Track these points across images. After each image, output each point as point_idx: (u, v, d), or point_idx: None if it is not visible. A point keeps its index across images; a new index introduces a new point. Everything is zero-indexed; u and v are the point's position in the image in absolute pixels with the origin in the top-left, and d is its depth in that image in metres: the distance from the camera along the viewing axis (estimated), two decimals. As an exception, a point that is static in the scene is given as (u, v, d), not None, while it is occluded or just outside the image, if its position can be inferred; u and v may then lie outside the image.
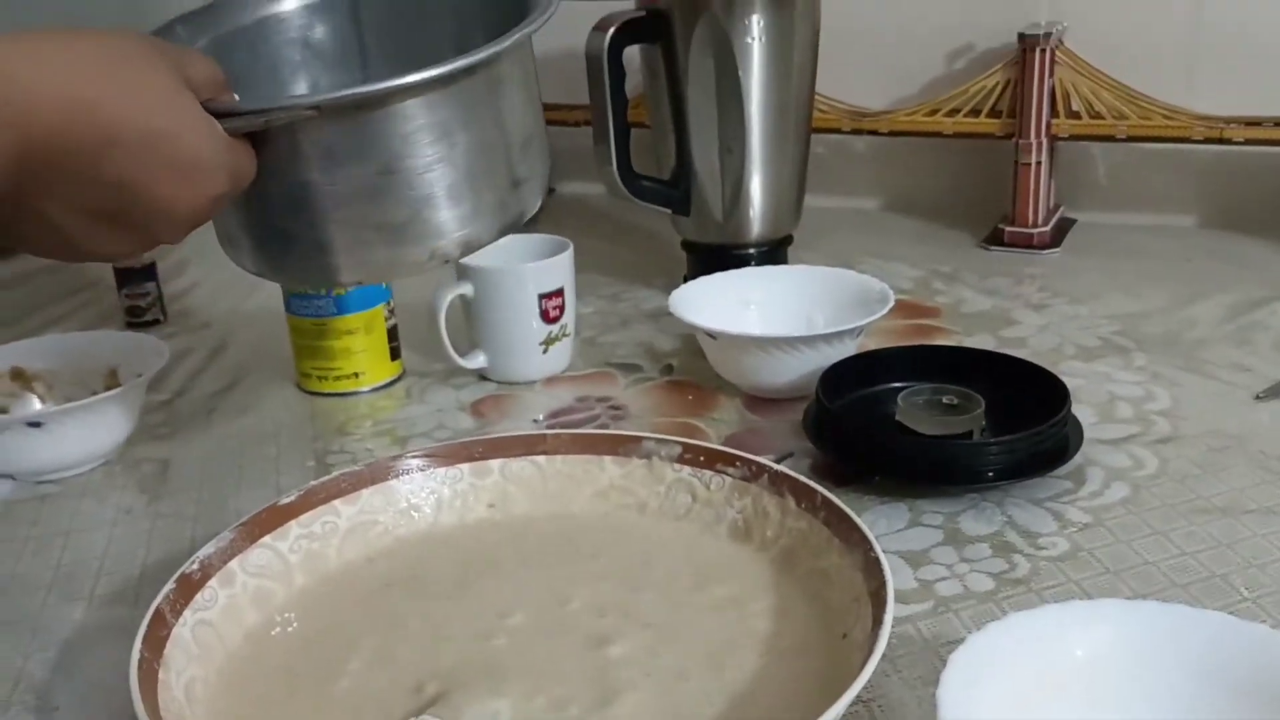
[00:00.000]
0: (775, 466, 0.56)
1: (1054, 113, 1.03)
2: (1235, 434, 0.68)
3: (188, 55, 0.47)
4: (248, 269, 0.54)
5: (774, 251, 0.95)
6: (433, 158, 0.49)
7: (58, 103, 0.40)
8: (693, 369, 0.81)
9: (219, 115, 0.46)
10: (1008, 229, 1.06)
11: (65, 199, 0.42)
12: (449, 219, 0.51)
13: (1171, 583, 0.54)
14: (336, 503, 0.56)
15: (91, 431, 0.71)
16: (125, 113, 0.41)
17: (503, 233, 0.54)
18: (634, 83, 0.93)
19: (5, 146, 0.39)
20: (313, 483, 0.56)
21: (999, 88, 1.05)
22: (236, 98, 0.49)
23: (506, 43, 0.50)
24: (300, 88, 0.60)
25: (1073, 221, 1.11)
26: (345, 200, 0.49)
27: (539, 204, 0.56)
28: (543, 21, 0.51)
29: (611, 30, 0.84)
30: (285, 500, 0.55)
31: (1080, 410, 0.70)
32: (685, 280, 0.92)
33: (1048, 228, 1.05)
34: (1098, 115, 1.02)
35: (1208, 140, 0.99)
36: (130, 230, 0.44)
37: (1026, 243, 1.05)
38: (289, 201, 0.50)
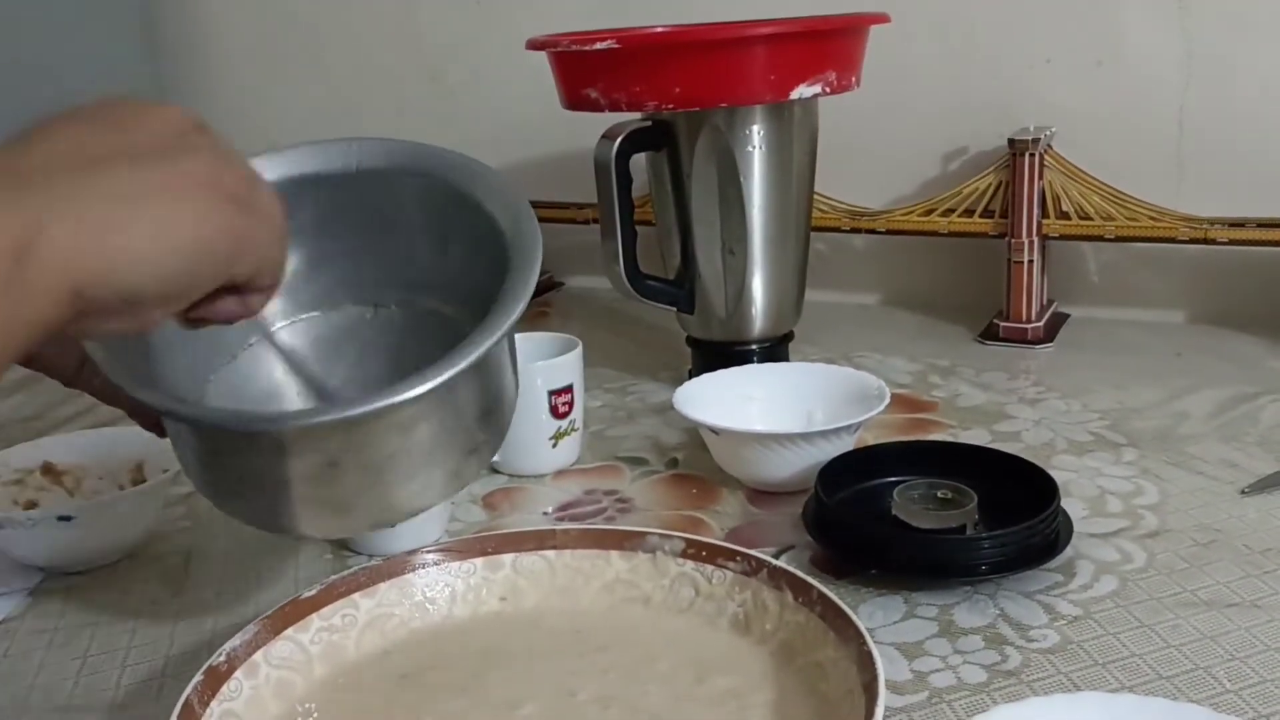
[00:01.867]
0: (774, 562, 0.58)
1: (1044, 213, 1.07)
2: (1221, 529, 0.70)
3: None
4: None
5: (776, 347, 0.98)
6: (387, 452, 0.50)
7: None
8: (697, 462, 0.84)
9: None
10: (1003, 324, 1.09)
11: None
12: (398, 497, 0.52)
13: (1157, 675, 0.56)
14: (356, 596, 0.59)
15: (119, 525, 0.73)
16: None
17: (447, 499, 0.56)
18: (640, 182, 0.97)
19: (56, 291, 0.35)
20: (333, 577, 0.59)
21: (991, 189, 1.09)
22: None
23: (472, 357, 0.49)
24: None
25: (1066, 316, 1.14)
26: (293, 482, 0.50)
27: (485, 466, 0.57)
28: (518, 313, 0.51)
29: (619, 139, 0.89)
30: (307, 594, 0.58)
31: (1071, 504, 0.73)
32: (690, 375, 0.95)
33: (1041, 323, 1.09)
34: (1086, 216, 1.06)
35: (1193, 240, 1.03)
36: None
37: (1021, 338, 1.08)
38: (237, 471, 0.52)
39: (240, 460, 0.51)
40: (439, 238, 0.61)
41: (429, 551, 0.62)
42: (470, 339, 0.49)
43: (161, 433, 0.57)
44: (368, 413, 0.47)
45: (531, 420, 0.83)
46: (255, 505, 0.53)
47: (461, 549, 0.62)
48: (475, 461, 0.55)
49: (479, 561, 0.62)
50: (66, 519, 0.71)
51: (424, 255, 0.62)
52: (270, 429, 0.49)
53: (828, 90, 0.87)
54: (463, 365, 0.48)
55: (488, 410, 0.55)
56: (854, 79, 0.91)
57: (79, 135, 0.38)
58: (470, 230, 0.58)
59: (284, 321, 0.63)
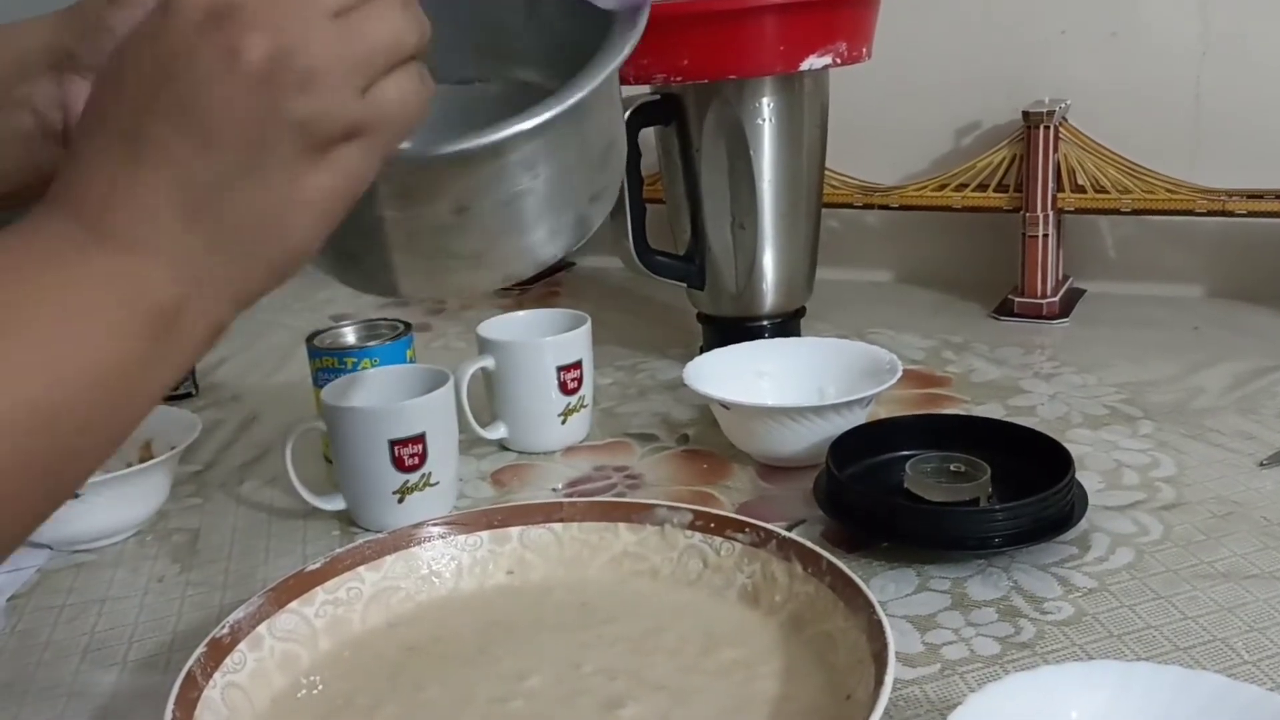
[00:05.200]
0: (783, 533, 0.57)
1: (1059, 187, 1.05)
2: (1239, 500, 0.69)
3: None
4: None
5: (787, 323, 0.97)
6: (514, 192, 0.48)
7: None
8: (708, 438, 0.84)
9: None
10: (1017, 300, 1.08)
11: None
12: (525, 244, 0.50)
13: (1174, 646, 0.55)
14: (361, 569, 0.58)
15: (127, 502, 0.73)
16: None
17: (575, 246, 0.53)
18: (650, 160, 0.97)
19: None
20: (338, 550, 0.59)
21: (1005, 163, 1.08)
22: None
23: (598, 79, 0.47)
24: None
25: (1082, 292, 1.13)
26: (418, 234, 0.48)
27: (609, 210, 0.55)
28: (633, 45, 0.49)
29: (627, 113, 0.88)
30: (312, 567, 0.57)
31: (1087, 477, 0.72)
32: (701, 352, 0.94)
33: (1056, 298, 1.07)
34: (1102, 189, 1.04)
35: (1210, 213, 1.01)
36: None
37: (1036, 313, 1.07)
38: (360, 229, 0.47)
39: (363, 213, 0.46)
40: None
41: (434, 524, 0.61)
42: (588, 69, 0.47)
43: None
44: (502, 140, 0.45)
45: (540, 397, 0.83)
46: (371, 267, 0.50)
47: (468, 522, 0.62)
48: (599, 208, 0.53)
49: (485, 534, 0.61)
50: (75, 496, 0.70)
51: (512, 19, 0.58)
52: (401, 164, 0.45)
53: (838, 61, 0.86)
54: (590, 88, 0.46)
55: (607, 150, 0.53)
56: (865, 50, 0.89)
57: (163, 149, 0.37)
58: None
59: None
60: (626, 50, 0.49)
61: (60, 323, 0.35)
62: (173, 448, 0.75)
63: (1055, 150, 1.04)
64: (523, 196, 0.48)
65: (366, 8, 0.38)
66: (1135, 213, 1.04)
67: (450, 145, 0.45)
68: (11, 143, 0.48)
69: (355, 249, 0.50)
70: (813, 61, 0.85)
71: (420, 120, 0.41)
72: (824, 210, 0.99)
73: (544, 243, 0.51)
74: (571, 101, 0.46)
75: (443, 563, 0.60)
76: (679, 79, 0.85)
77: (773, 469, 0.78)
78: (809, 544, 0.56)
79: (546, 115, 0.46)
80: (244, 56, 0.36)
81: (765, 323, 0.96)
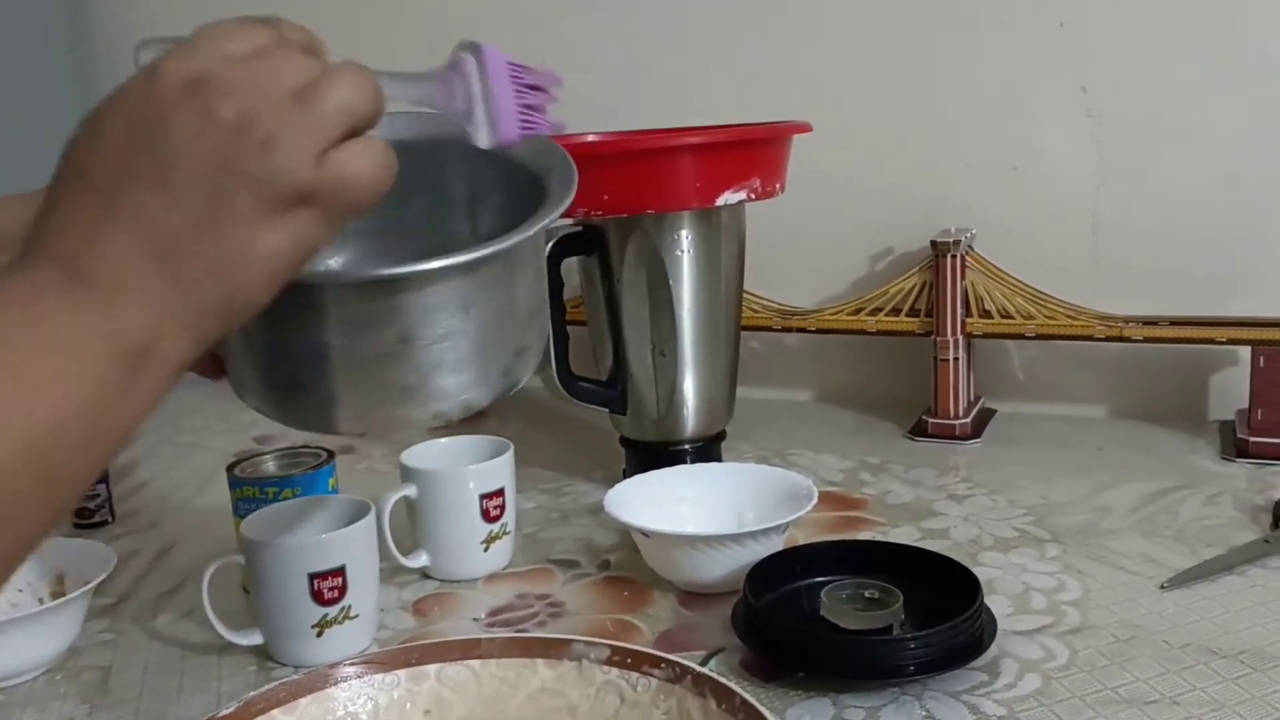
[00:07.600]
0: (698, 669, 0.58)
1: (968, 312, 1.10)
2: (1141, 624, 0.72)
3: None
4: (251, 407, 0.58)
5: (708, 447, 0.99)
6: (448, 329, 0.54)
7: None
8: (629, 564, 0.84)
9: None
10: (931, 420, 1.11)
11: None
12: (455, 384, 0.55)
13: (1079, 775, 0.57)
14: (275, 712, 0.58)
15: (38, 640, 0.72)
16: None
17: (500, 397, 0.58)
18: (573, 285, 0.99)
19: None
20: (251, 694, 0.58)
21: (916, 289, 1.12)
22: None
23: (529, 232, 0.54)
24: None
25: (993, 412, 1.16)
26: (360, 363, 0.53)
27: (533, 371, 0.61)
28: (562, 209, 0.56)
29: (550, 244, 0.91)
30: (224, 711, 0.56)
31: (997, 601, 0.74)
32: (624, 474, 0.95)
33: (968, 419, 1.11)
34: (1008, 315, 1.09)
35: (1109, 339, 1.06)
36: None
37: (949, 434, 1.10)
38: (306, 357, 0.53)
39: (312, 340, 0.53)
40: (468, 198, 0.65)
41: (351, 664, 0.61)
42: (522, 226, 0.54)
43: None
44: (447, 266, 0.52)
45: (463, 525, 0.83)
46: (315, 397, 0.55)
47: (385, 660, 0.61)
48: (523, 364, 0.59)
49: (403, 673, 0.61)
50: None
51: (453, 219, 0.65)
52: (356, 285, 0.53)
53: (753, 196, 0.90)
54: (522, 236, 0.54)
55: (535, 310, 0.59)
56: (778, 185, 0.93)
57: (139, 203, 0.40)
58: (504, 183, 0.62)
59: None
60: (555, 213, 0.56)
61: (42, 359, 0.38)
62: (87, 582, 0.74)
63: (963, 277, 1.09)
64: (457, 335, 0.54)
65: (324, 78, 0.42)
66: (1039, 337, 1.09)
67: (405, 267, 0.52)
68: None
69: (301, 378, 0.55)
70: (728, 197, 0.89)
71: (375, 192, 0.44)
72: (745, 332, 1.02)
73: (472, 385, 0.56)
74: (508, 244, 0.54)
75: (359, 703, 0.60)
76: (600, 213, 0.88)
77: (693, 596, 0.79)
78: (723, 680, 0.57)
79: (487, 251, 0.53)
80: (214, 118, 0.40)
81: (686, 447, 0.98)
